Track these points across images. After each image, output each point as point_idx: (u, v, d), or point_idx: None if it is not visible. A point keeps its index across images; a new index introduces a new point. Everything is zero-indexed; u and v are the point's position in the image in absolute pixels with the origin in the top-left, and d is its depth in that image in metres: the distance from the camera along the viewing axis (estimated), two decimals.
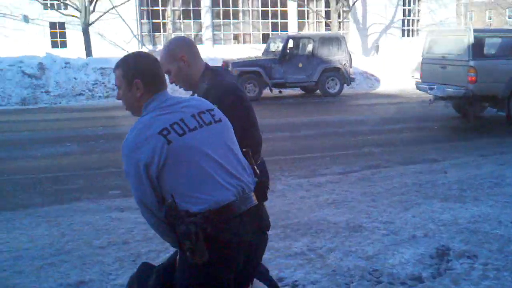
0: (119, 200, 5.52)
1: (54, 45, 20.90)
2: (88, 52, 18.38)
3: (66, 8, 19.98)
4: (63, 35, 20.91)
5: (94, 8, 18.84)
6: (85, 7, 18.48)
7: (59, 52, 18.43)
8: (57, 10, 20.08)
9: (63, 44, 21.06)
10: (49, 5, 20.57)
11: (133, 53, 2.23)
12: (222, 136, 2.14)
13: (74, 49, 19.57)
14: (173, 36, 23.33)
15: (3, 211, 5.13)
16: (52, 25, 20.94)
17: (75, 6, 18.86)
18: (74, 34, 20.11)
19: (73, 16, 19.24)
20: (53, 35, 20.89)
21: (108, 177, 6.48)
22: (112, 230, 4.54)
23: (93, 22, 18.84)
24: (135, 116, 2.16)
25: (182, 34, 23.74)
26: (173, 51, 2.68)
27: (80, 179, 6.40)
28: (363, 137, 8.87)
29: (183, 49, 2.70)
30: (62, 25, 20.94)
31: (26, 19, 20.24)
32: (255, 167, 2.26)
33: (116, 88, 2.22)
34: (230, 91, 2.63)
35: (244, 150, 2.30)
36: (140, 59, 2.16)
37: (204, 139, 2.06)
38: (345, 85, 15.61)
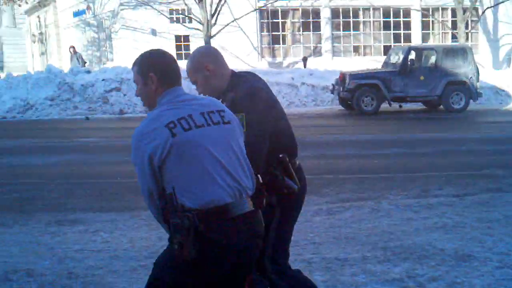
0: None
1: (179, 57, 21.96)
2: None
3: (190, 21, 20.96)
4: (187, 48, 21.93)
5: (215, 21, 19.55)
6: (207, 20, 19.24)
7: (184, 63, 19.27)
8: (182, 24, 21.14)
9: (187, 56, 22.05)
10: (175, 19, 21.73)
11: (148, 50, 2.31)
12: (228, 138, 2.14)
13: None
14: (292, 48, 23.92)
15: (110, 212, 5.36)
16: (177, 38, 22.08)
17: (198, 20, 19.71)
18: (197, 47, 20.99)
19: (196, 29, 20.13)
20: (178, 48, 22.00)
21: None
22: None
23: (215, 35, 19.55)
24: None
25: (301, 46, 23.82)
26: (197, 61, 2.66)
27: None
28: (486, 157, 8.11)
29: (207, 58, 2.68)
30: (186, 38, 22.01)
31: (154, 32, 21.54)
32: (259, 176, 2.24)
33: None
34: (250, 94, 2.55)
35: (280, 156, 2.37)
36: (154, 55, 2.25)
37: (209, 138, 2.08)
38: (471, 100, 14.51)
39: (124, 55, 21.00)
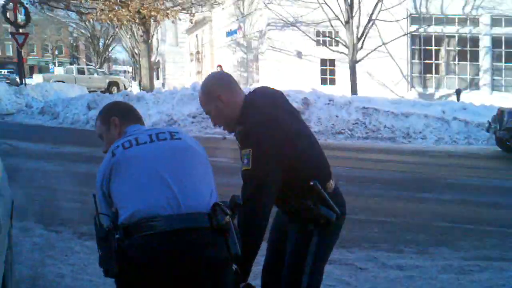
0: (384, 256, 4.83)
1: (324, 81, 21.61)
2: (354, 90, 18.36)
3: (337, 44, 20.44)
4: (332, 72, 21.47)
5: (362, 45, 18.77)
6: (354, 44, 18.55)
7: (327, 89, 18.88)
8: (327, 47, 20.69)
9: (332, 81, 21.61)
10: (321, 42, 21.37)
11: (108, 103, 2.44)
12: (175, 151, 2.06)
13: (341, 87, 19.80)
14: (445, 79, 22.22)
15: None
16: (323, 62, 21.68)
17: (344, 43, 19.12)
18: (342, 72, 20.42)
19: (341, 53, 19.54)
20: (322, 72, 21.62)
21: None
22: None
23: (360, 60, 18.79)
24: None
25: (456, 77, 22.02)
26: (210, 90, 2.47)
27: None
28: None
29: (220, 88, 2.46)
30: (332, 62, 21.53)
31: (299, 55, 21.42)
32: (235, 202, 2.01)
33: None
34: (258, 127, 2.30)
35: (311, 184, 2.24)
36: (113, 103, 2.41)
37: (151, 153, 2.03)
38: None
39: (268, 76, 21.17)
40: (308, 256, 2.36)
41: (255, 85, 20.98)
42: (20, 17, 19.29)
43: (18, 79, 22.48)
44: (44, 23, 50.76)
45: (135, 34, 24.00)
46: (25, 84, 17.90)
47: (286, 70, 20.51)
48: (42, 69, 62.19)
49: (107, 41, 42.73)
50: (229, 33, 27.82)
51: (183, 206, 1.89)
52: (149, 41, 22.76)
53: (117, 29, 31.91)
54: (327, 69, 21.75)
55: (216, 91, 2.45)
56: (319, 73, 21.50)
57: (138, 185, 1.94)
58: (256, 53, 24.18)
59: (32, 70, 64.23)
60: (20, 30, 18.65)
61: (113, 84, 31.58)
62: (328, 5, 18.41)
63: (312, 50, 21.44)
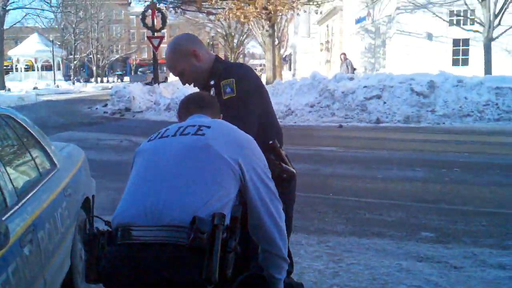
0: (426, 246, 4.62)
1: (455, 62, 20.27)
2: (488, 70, 16.96)
3: (472, 23, 19.00)
4: (465, 52, 20.04)
5: (500, 22, 17.24)
6: (490, 21, 17.10)
7: (458, 70, 17.72)
8: (461, 27, 19.32)
9: (464, 62, 20.18)
10: (455, 22, 20.01)
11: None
12: (187, 151, 1.83)
13: (474, 67, 18.42)
14: None
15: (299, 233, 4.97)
16: (455, 42, 20.32)
17: (479, 21, 17.71)
18: (477, 51, 18.96)
19: (475, 31, 18.12)
20: (455, 52, 20.28)
21: (430, 213, 5.59)
22: (388, 285, 3.77)
23: (497, 37, 17.28)
24: None
25: None
26: (182, 48, 2.50)
27: (399, 212, 5.73)
28: None
29: (193, 43, 2.52)
30: (466, 42, 20.09)
31: (430, 36, 20.31)
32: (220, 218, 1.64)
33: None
34: (243, 67, 2.56)
35: (270, 142, 2.28)
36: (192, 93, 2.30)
37: (162, 148, 1.89)
38: None
39: (395, 61, 20.42)
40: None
41: (382, 71, 20.42)
42: (157, 22, 20.82)
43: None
44: (185, 26, 54.09)
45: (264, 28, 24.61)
46: (158, 84, 19.26)
47: (415, 54, 19.61)
48: None
49: (241, 37, 44.29)
50: (358, 20, 27.31)
51: (165, 216, 1.67)
52: (275, 34, 23.18)
53: (249, 26, 32.96)
54: (460, 50, 20.36)
55: (190, 47, 2.50)
56: (450, 54, 20.23)
57: (130, 185, 1.85)
58: (384, 38, 23.44)
59: None
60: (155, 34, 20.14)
61: None
62: None
63: (443, 31, 20.21)
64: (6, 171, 2.71)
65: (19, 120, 3.49)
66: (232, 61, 20.65)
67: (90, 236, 1.75)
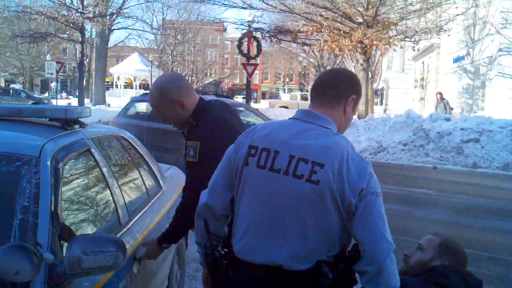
0: None
1: None
2: None
3: None
4: None
5: None
6: None
7: None
8: None
9: None
10: None
11: None
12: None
13: None
14: None
15: None
16: None
17: None
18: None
19: None
20: None
21: None
22: None
23: None
24: None
25: None
26: (168, 95, 2.47)
27: (498, 266, 5.37)
28: None
29: (180, 92, 2.48)
30: None
31: None
32: None
33: None
34: (212, 124, 2.46)
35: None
36: None
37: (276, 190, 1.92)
38: None
39: (495, 104, 19.47)
40: None
41: (480, 113, 19.52)
42: (252, 50, 21.31)
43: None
44: (278, 54, 54.97)
45: (358, 62, 24.51)
46: None
47: None
48: (273, 95, 67.57)
49: None
50: (456, 60, 26.43)
51: None
52: (369, 68, 22.94)
53: (341, 58, 32.92)
54: None
55: (177, 97, 2.47)
56: None
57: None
58: (484, 80, 22.46)
59: (264, 95, 70.09)
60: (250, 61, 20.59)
61: None
62: None
63: None
64: (121, 190, 2.85)
65: (131, 141, 3.67)
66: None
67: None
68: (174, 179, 4.22)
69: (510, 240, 6.44)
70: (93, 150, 2.63)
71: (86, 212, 2.46)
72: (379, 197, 1.80)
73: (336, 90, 1.98)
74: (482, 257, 5.62)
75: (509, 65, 19.63)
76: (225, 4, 21.53)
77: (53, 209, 1.97)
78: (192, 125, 2.50)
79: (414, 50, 23.31)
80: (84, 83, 36.50)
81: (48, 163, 2.13)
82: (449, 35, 20.74)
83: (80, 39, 31.26)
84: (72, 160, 2.40)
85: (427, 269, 2.20)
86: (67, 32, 34.55)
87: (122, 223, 2.66)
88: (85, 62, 36.73)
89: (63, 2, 30.57)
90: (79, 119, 2.72)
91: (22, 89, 42.74)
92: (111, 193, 2.65)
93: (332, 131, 1.91)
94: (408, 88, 38.72)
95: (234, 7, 20.71)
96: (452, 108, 19.32)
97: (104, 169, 2.67)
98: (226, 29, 61.18)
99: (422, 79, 34.92)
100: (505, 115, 15.78)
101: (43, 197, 1.98)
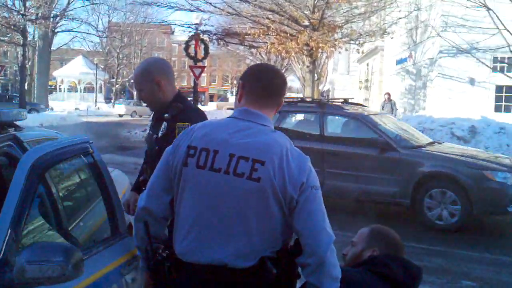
0: None
1: (498, 109, 19.90)
2: None
3: None
4: (508, 99, 19.67)
5: None
6: None
7: (501, 116, 17.42)
8: (505, 73, 19.02)
9: (507, 109, 19.79)
10: (498, 68, 19.72)
11: None
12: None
13: None
14: None
15: None
16: (499, 89, 19.99)
17: None
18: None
19: None
20: (497, 99, 19.94)
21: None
22: None
23: None
24: None
25: None
26: (149, 72, 2.65)
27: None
28: None
29: (160, 72, 2.65)
30: (509, 89, 19.72)
31: (472, 81, 20.06)
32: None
33: None
34: (198, 111, 2.80)
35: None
36: None
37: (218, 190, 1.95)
38: None
39: (436, 104, 20.20)
40: None
41: (422, 113, 20.19)
42: (200, 52, 21.22)
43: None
44: (226, 56, 55.02)
45: (305, 64, 24.84)
46: None
47: (456, 98, 19.37)
48: (221, 98, 67.86)
49: None
50: (399, 61, 27.26)
51: None
52: (315, 70, 23.30)
53: (288, 60, 33.29)
54: (503, 96, 20.00)
55: (156, 76, 2.63)
56: (493, 100, 19.87)
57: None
58: (425, 81, 23.28)
59: (212, 98, 70.16)
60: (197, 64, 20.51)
61: None
62: (508, 31, 17.10)
63: (486, 76, 19.95)
64: (58, 193, 2.78)
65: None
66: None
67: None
68: (118, 182, 4.13)
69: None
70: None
71: None
72: (318, 190, 1.84)
73: (272, 89, 2.01)
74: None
75: (449, 67, 20.39)
76: (172, 7, 21.35)
77: None
78: (179, 108, 2.66)
79: (358, 53, 23.86)
80: (26, 87, 35.27)
81: None
82: (392, 38, 21.33)
83: (21, 42, 30.20)
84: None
85: (363, 262, 2.24)
86: (8, 35, 33.34)
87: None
88: (27, 66, 35.55)
89: (4, 3, 29.46)
90: (14, 122, 2.64)
91: None
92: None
93: (270, 128, 1.93)
94: (353, 89, 39.60)
95: (181, 9, 20.54)
96: (397, 109, 19.90)
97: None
98: (173, 31, 60.77)
99: (367, 80, 35.82)
100: (445, 114, 16.40)
101: None
